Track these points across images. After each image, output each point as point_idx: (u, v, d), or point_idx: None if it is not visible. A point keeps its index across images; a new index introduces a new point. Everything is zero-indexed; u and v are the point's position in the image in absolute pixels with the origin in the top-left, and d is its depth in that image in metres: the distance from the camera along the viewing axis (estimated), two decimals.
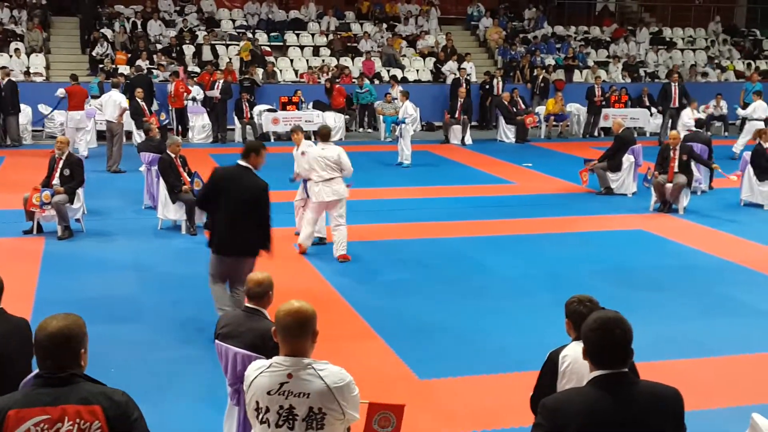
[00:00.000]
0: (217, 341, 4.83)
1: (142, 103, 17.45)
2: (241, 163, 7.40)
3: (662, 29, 28.66)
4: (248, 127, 20.25)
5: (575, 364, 4.43)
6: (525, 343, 7.45)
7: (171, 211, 11.42)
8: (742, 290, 9.24)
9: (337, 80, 22.33)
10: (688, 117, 17.87)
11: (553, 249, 10.84)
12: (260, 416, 3.56)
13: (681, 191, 12.86)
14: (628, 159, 14.36)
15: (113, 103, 16.30)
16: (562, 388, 4.47)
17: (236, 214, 7.23)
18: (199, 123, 20.26)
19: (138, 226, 11.72)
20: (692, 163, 13.23)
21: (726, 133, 22.64)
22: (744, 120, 21.02)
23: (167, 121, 19.22)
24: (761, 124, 17.32)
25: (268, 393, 3.54)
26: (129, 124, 18.03)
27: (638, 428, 3.15)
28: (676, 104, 21.27)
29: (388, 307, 8.54)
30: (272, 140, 20.60)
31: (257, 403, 3.57)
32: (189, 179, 11.47)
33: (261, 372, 3.59)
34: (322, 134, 10.30)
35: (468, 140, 20.63)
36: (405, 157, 17.29)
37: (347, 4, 27.34)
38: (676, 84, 21.57)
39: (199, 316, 7.82)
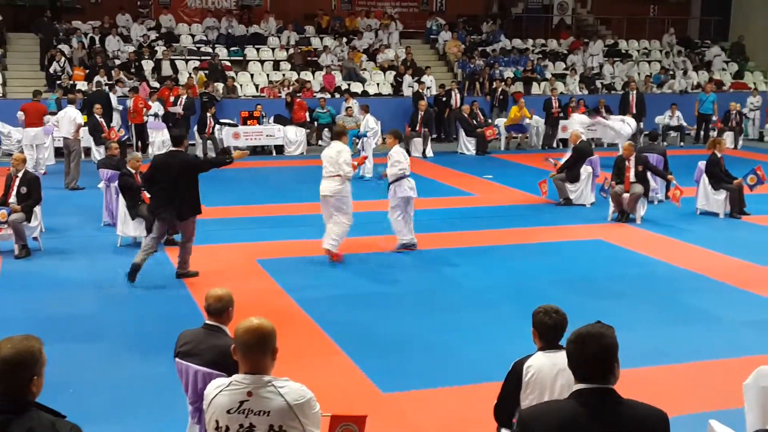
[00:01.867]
0: (177, 359, 4.80)
1: (101, 120, 17.30)
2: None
3: (618, 41, 29.12)
4: (209, 142, 20.15)
5: (539, 375, 4.49)
6: (489, 354, 7.50)
7: (130, 228, 11.32)
8: (699, 298, 9.40)
9: (299, 94, 22.33)
10: (580, 122, 18.59)
11: (515, 260, 10.94)
12: None
13: (638, 201, 13.06)
14: (586, 170, 14.55)
15: (69, 119, 16.14)
16: (526, 399, 4.52)
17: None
18: (159, 139, 20.10)
19: (97, 244, 11.60)
20: (648, 173, 13.44)
21: (682, 143, 23.04)
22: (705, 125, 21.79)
23: (126, 136, 19.06)
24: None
25: (228, 412, 3.51)
26: (88, 140, 17.88)
27: None
28: (633, 111, 21.71)
29: (352, 322, 8.54)
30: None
31: (217, 422, 3.55)
32: (148, 196, 11.37)
33: (220, 391, 3.57)
34: (335, 132, 11.37)
35: (429, 153, 20.76)
36: (367, 171, 17.33)
37: (307, 19, 27.38)
38: (634, 92, 22.02)
39: (159, 334, 7.74)
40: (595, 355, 3.18)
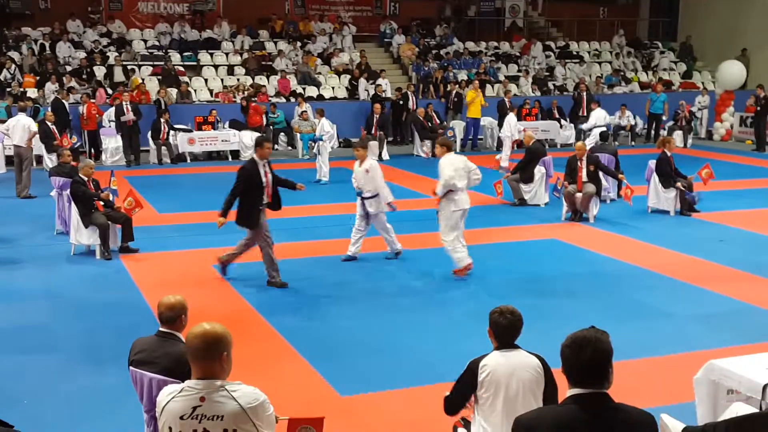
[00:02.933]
0: (131, 368, 4.77)
1: (52, 127, 17.07)
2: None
3: (569, 43, 29.50)
4: (164, 148, 19.97)
5: (494, 374, 4.56)
6: (444, 354, 7.56)
7: (84, 236, 11.19)
8: (650, 294, 9.57)
9: (254, 99, 22.23)
10: (514, 123, 19.00)
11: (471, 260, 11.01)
12: None
13: (590, 200, 13.25)
14: (539, 170, 14.72)
15: (22, 127, 15.90)
16: (482, 398, 4.59)
17: None
18: (112, 145, 19.88)
19: (50, 253, 11.44)
20: (600, 173, 13.65)
21: (633, 143, 23.41)
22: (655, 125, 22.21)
23: (78, 143, 18.83)
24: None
25: (181, 418, 3.52)
26: (39, 148, 17.62)
27: None
28: (585, 113, 22.02)
29: (309, 326, 8.56)
30: (188, 161, 20.39)
31: (170, 429, 3.55)
32: (102, 203, 11.28)
33: (173, 397, 3.57)
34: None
35: (385, 156, 20.83)
36: (323, 174, 17.34)
37: (261, 23, 27.29)
38: (584, 93, 22.36)
39: (114, 344, 7.67)
40: (591, 360, 3.21)
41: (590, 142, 18.17)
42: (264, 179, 9.74)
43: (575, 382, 3.22)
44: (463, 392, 4.69)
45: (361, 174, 10.89)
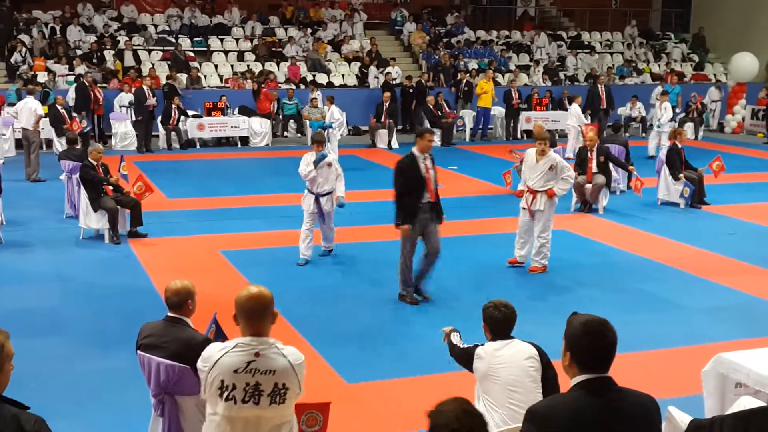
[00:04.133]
0: (139, 352, 4.78)
1: (63, 111, 17.09)
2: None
3: (581, 33, 29.36)
4: (173, 133, 19.98)
5: (488, 363, 4.73)
6: None
7: (93, 220, 11.22)
8: (659, 286, 9.55)
9: (262, 85, 22.19)
10: (579, 113, 19.03)
11: (479, 251, 11.01)
12: (226, 394, 3.79)
13: (600, 191, 13.21)
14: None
15: (29, 110, 15.91)
16: (480, 381, 4.72)
17: None
18: (122, 130, 19.89)
19: (59, 236, 11.48)
20: (610, 164, 13.60)
21: (644, 134, 23.31)
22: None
23: (89, 127, 18.85)
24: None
25: (235, 371, 3.78)
26: (49, 131, 17.66)
27: None
28: (604, 105, 21.96)
29: (316, 313, 8.56)
30: (198, 147, 20.41)
31: (222, 381, 3.80)
32: (111, 188, 11.30)
33: (226, 352, 3.83)
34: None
35: (394, 144, 20.79)
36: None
37: (271, 9, 27.24)
38: (602, 86, 22.26)
39: (122, 328, 7.70)
40: (611, 344, 3.23)
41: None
42: (425, 174, 8.69)
43: (588, 368, 3.22)
44: (465, 357, 4.97)
45: (325, 169, 10.23)
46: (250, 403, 3.78)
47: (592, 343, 3.22)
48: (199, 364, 3.93)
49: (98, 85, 20.33)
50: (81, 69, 21.35)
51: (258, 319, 3.87)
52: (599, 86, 22.34)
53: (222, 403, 3.82)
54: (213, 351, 3.88)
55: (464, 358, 4.97)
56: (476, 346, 4.89)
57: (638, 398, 3.29)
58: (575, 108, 19.39)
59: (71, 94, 19.63)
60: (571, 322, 4.71)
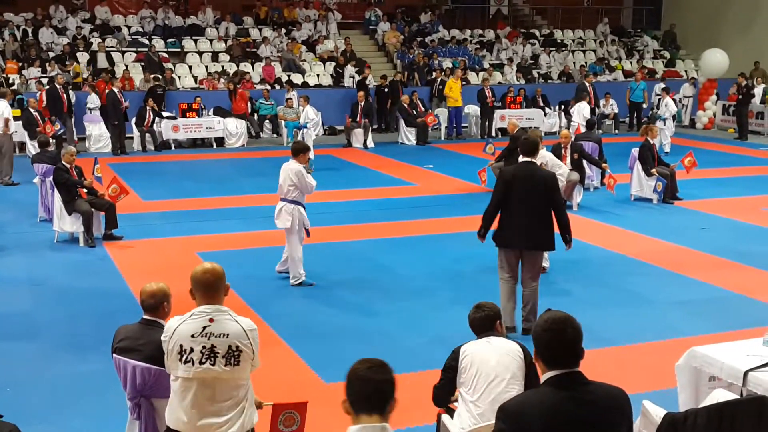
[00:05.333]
0: (115, 355, 4.76)
1: (36, 113, 16.93)
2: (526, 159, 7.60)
3: (553, 31, 29.52)
4: (148, 135, 19.86)
5: (474, 358, 4.70)
6: (429, 341, 7.59)
7: (67, 224, 11.14)
8: (631, 281, 9.64)
9: (238, 86, 22.13)
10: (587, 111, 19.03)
11: (454, 248, 11.05)
12: (184, 357, 4.12)
13: (574, 188, 13.29)
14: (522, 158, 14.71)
15: None
16: (464, 383, 4.70)
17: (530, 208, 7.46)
18: (96, 132, 19.73)
19: (33, 240, 11.38)
20: (584, 161, 13.69)
21: (617, 131, 23.50)
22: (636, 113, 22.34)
23: (62, 130, 18.68)
24: None
25: (192, 336, 4.12)
26: (22, 134, 17.49)
27: (599, 428, 3.19)
28: (593, 104, 22.17)
29: (293, 312, 8.56)
30: (173, 148, 20.30)
31: (181, 346, 4.13)
32: (85, 191, 11.23)
33: (183, 321, 4.19)
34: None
35: (370, 143, 20.81)
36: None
37: (245, 10, 27.15)
38: (590, 84, 22.47)
39: (97, 331, 7.66)
40: (572, 340, 3.23)
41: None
42: None
43: (555, 364, 3.23)
44: (450, 377, 4.78)
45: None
46: (206, 364, 4.10)
47: (553, 339, 3.23)
48: (161, 336, 4.25)
49: (69, 86, 20.13)
50: (54, 72, 21.15)
51: (212, 291, 4.23)
52: (588, 84, 22.53)
53: (182, 366, 4.13)
54: (172, 322, 4.22)
55: (449, 368, 4.80)
56: (455, 348, 4.86)
57: (609, 391, 3.30)
58: (584, 106, 19.41)
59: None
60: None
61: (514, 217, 7.47)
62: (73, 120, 19.72)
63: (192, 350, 4.11)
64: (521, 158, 7.67)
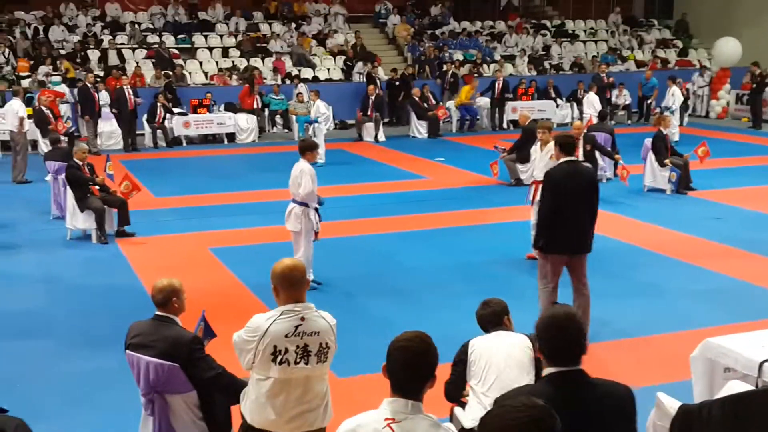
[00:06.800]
0: (128, 351, 4.77)
1: (47, 111, 16.99)
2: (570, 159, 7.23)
3: (564, 22, 29.37)
4: (159, 131, 19.91)
5: (483, 352, 4.73)
6: (442, 335, 7.53)
7: (80, 221, 11.17)
8: (646, 273, 9.59)
9: (255, 81, 22.09)
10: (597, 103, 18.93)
11: (467, 241, 11.03)
12: (279, 358, 4.11)
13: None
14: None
15: (13, 112, 15.81)
16: (474, 376, 4.71)
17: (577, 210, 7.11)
18: (107, 129, 19.79)
19: (46, 237, 11.43)
20: (596, 153, 13.62)
21: (629, 122, 23.38)
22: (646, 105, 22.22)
23: (74, 128, 18.75)
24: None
25: (286, 336, 4.11)
26: (34, 132, 17.56)
27: (592, 428, 3.16)
28: (608, 94, 22.15)
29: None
30: (184, 144, 20.34)
31: (275, 347, 4.11)
32: (97, 188, 11.26)
33: (274, 320, 4.14)
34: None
35: (381, 137, 20.78)
36: (319, 156, 17.27)
37: (255, 5, 27.16)
38: (605, 74, 22.39)
39: (110, 327, 7.67)
40: (573, 338, 3.21)
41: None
42: None
43: (555, 360, 3.22)
44: (459, 372, 4.78)
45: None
46: (301, 363, 4.13)
47: (554, 337, 3.22)
48: (244, 335, 4.18)
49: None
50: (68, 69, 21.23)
51: (297, 287, 4.21)
52: (602, 75, 22.44)
53: (276, 367, 4.12)
54: (260, 321, 4.15)
55: (459, 362, 4.83)
56: (465, 343, 4.90)
57: (610, 390, 3.26)
58: (593, 96, 19.42)
59: (70, 98, 19.56)
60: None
61: (568, 220, 7.09)
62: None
63: (287, 350, 4.11)
64: (562, 158, 7.27)
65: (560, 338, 3.21)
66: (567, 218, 7.10)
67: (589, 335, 7.45)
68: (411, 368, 3.26)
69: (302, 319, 4.15)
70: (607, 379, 3.34)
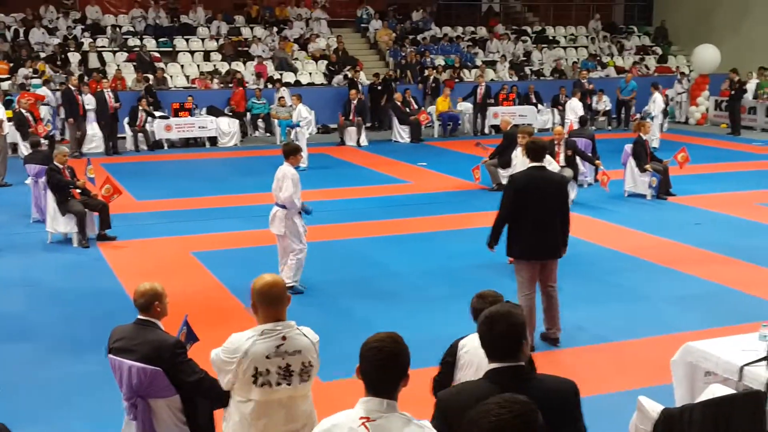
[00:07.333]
0: (110, 356, 4.74)
1: (27, 114, 16.87)
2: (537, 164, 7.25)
3: (545, 28, 29.53)
4: (140, 135, 19.81)
5: (473, 353, 4.64)
6: (425, 338, 7.56)
7: (60, 224, 11.11)
8: (626, 277, 9.66)
9: (230, 84, 22.06)
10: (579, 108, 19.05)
11: (449, 246, 11.06)
12: (260, 380, 3.96)
13: (567, 185, 13.29)
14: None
15: None
16: (463, 375, 4.67)
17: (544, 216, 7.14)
18: (89, 132, 19.66)
19: (26, 241, 11.35)
20: (577, 158, 13.71)
21: (609, 127, 23.54)
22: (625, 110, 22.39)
23: (54, 131, 18.63)
24: None
25: (267, 357, 3.95)
26: (14, 135, 17.43)
27: None
28: (589, 101, 22.30)
29: (289, 310, 8.53)
30: (165, 148, 20.26)
31: (256, 369, 3.95)
32: (78, 191, 11.20)
33: (255, 340, 3.97)
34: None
35: (363, 141, 20.80)
36: (301, 160, 17.26)
37: (236, 9, 27.09)
38: (585, 80, 22.53)
39: (92, 331, 7.64)
40: (503, 334, 3.23)
41: None
42: None
43: (492, 357, 3.25)
44: (448, 371, 4.77)
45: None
46: (283, 384, 3.99)
47: (487, 332, 3.26)
48: (222, 355, 4.03)
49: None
50: (48, 72, 21.08)
51: (277, 304, 4.05)
52: (582, 81, 22.59)
53: (256, 389, 3.97)
54: (240, 341, 3.98)
55: (448, 362, 4.82)
56: (454, 342, 4.85)
57: (552, 387, 3.29)
58: (575, 102, 19.53)
59: (51, 100, 19.45)
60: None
61: (538, 226, 7.12)
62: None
63: (268, 372, 3.97)
64: (529, 163, 7.36)
65: (490, 335, 3.24)
66: (535, 225, 7.13)
67: (561, 337, 7.54)
68: (383, 369, 3.26)
69: (284, 338, 3.99)
70: (553, 375, 3.37)
